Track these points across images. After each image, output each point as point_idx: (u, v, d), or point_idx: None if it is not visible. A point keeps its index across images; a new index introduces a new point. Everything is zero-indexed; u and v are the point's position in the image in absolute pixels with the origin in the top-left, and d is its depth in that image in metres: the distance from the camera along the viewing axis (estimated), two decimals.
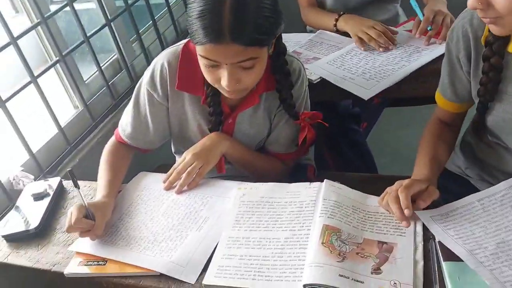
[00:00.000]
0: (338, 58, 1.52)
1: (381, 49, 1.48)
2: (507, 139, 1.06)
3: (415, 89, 1.42)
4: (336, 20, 1.63)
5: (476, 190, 0.99)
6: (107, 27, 1.68)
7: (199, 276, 0.92)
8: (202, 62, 1.04)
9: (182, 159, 1.16)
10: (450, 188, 1.11)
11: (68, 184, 1.27)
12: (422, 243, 0.90)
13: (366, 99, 1.35)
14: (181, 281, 0.92)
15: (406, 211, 0.92)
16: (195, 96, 1.18)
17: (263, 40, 1.00)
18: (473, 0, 0.86)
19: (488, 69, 0.97)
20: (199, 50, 1.01)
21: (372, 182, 1.44)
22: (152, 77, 1.18)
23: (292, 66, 1.17)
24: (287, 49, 1.16)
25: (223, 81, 1.03)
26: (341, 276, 0.84)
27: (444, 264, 0.84)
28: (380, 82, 1.38)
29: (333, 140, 1.68)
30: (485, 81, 0.99)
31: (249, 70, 1.02)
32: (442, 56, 1.12)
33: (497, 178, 1.12)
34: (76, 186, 1.01)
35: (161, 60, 1.17)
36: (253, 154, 1.26)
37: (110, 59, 1.79)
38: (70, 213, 1.02)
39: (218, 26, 0.95)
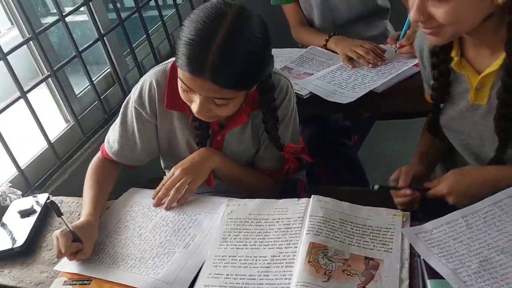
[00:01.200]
0: (328, 74, 1.53)
1: (370, 65, 1.50)
2: (454, 140, 1.13)
3: (400, 105, 1.44)
4: (326, 41, 1.65)
5: (453, 207, 1.00)
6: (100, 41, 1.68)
7: None
8: (179, 82, 1.05)
9: (171, 175, 1.15)
10: (431, 208, 1.13)
11: (56, 200, 1.25)
12: (408, 260, 0.90)
13: (353, 100, 1.39)
14: None
15: None
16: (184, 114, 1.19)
17: (242, 86, 1.02)
18: (415, 14, 0.90)
19: (437, 76, 1.07)
20: (178, 72, 1.03)
21: (363, 196, 1.44)
22: (141, 95, 1.18)
23: (280, 84, 1.17)
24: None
25: (193, 106, 1.04)
26: None
27: (429, 282, 0.84)
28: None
29: (324, 155, 1.68)
30: (436, 86, 1.09)
31: (221, 106, 1.04)
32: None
33: None
34: (59, 214, 1.01)
35: (149, 79, 1.17)
36: (243, 169, 1.26)
37: (103, 72, 1.78)
38: (57, 239, 1.01)
39: (201, 60, 0.96)
